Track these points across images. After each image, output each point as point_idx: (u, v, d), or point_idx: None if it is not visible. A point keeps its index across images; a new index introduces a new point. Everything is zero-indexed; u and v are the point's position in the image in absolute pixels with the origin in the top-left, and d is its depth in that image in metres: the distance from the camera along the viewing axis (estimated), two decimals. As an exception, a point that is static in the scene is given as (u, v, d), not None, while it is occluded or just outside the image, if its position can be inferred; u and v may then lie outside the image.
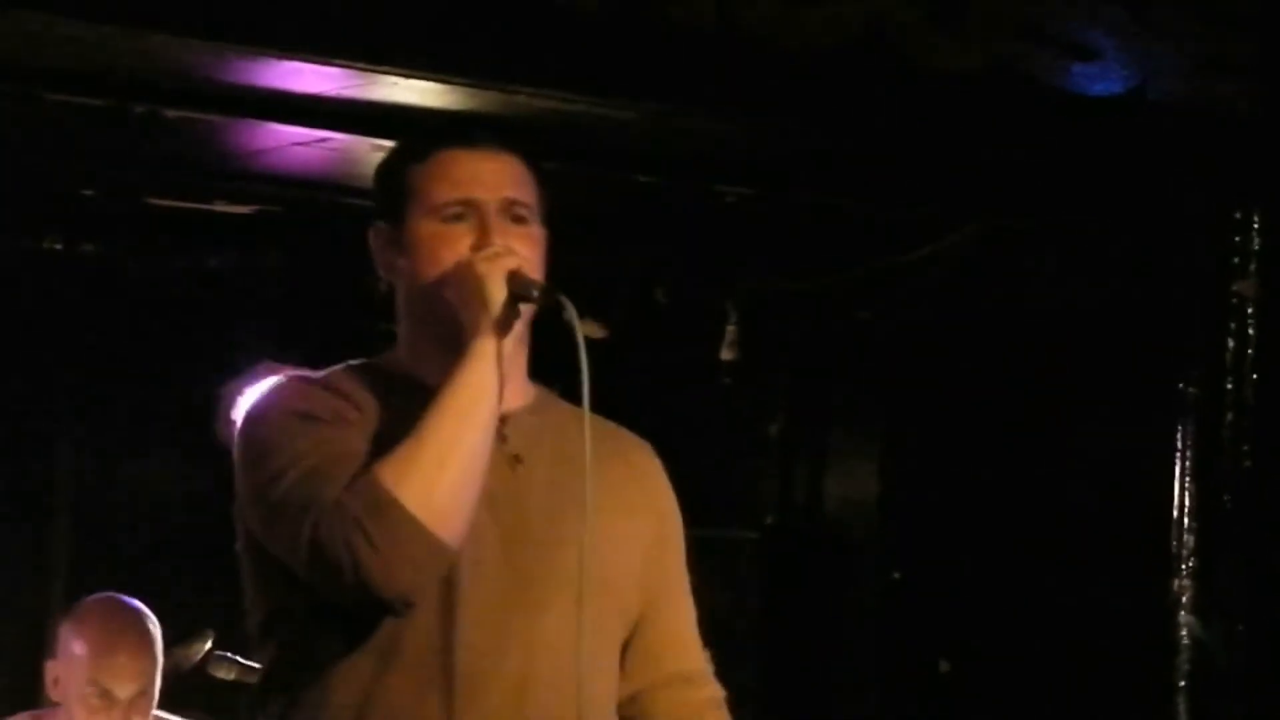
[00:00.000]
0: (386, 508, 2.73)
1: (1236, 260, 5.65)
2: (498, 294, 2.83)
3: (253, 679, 3.27)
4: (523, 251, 2.90)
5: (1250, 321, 5.63)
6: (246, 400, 3.05)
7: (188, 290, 6.28)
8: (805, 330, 6.99)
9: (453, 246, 2.90)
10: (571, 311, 2.85)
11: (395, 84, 4.74)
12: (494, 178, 2.94)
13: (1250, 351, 5.62)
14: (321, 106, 4.94)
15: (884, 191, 5.74)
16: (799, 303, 6.76)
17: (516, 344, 2.91)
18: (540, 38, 4.79)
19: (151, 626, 4.78)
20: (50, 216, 6.06)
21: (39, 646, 4.84)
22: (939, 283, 6.35)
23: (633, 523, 3.00)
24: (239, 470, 2.92)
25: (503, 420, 2.90)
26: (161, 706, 4.87)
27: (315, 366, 3.04)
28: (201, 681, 5.20)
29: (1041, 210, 5.82)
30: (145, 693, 4.73)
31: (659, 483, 3.11)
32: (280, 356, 5.76)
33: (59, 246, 6.12)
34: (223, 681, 5.13)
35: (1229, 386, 5.66)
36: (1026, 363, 6.52)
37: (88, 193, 5.78)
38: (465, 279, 2.86)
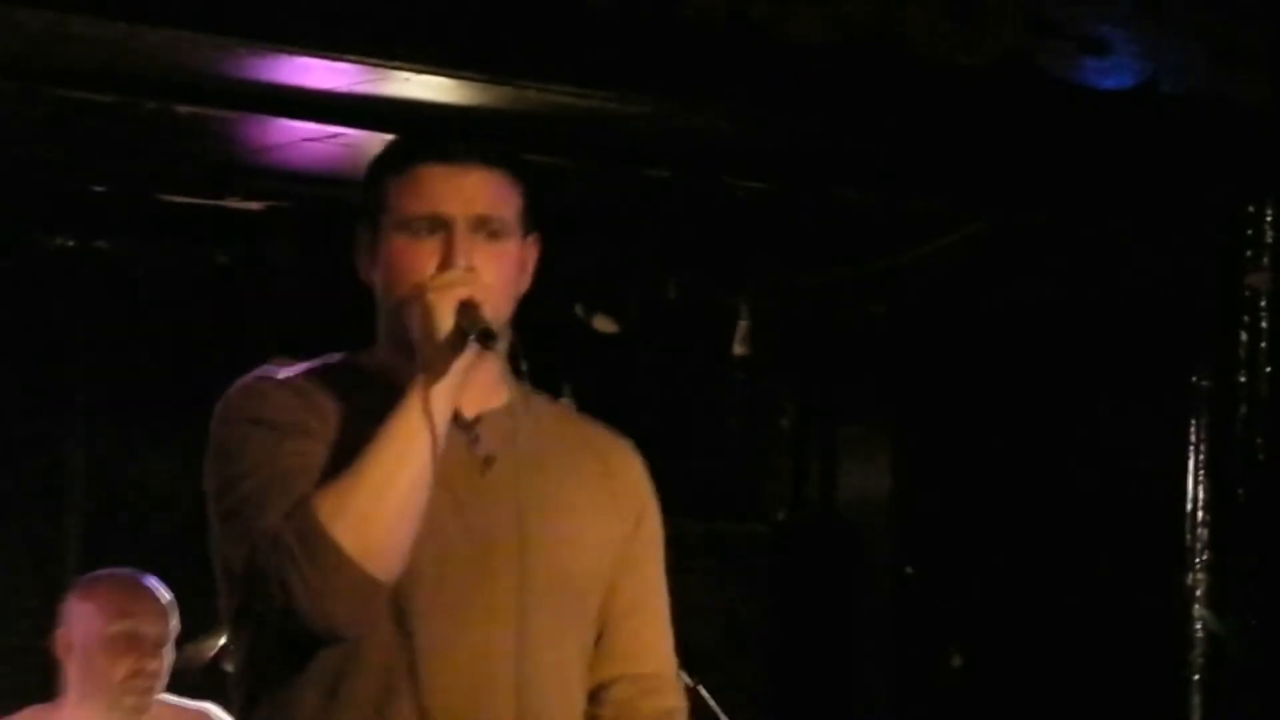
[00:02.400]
0: (319, 543, 2.73)
1: (1249, 253, 5.65)
2: (444, 325, 2.81)
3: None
4: (487, 273, 2.87)
5: (1263, 314, 5.63)
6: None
7: (199, 286, 6.28)
8: (817, 325, 6.98)
9: (418, 263, 2.87)
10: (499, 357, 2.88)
11: (407, 79, 4.74)
12: (468, 193, 2.90)
13: (1263, 344, 5.62)
14: (333, 102, 4.94)
15: (896, 186, 5.74)
16: (811, 298, 6.76)
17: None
18: (552, 33, 4.79)
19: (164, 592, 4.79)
20: (62, 213, 6.06)
21: (49, 643, 4.83)
22: (950, 277, 6.35)
23: (602, 523, 2.97)
24: (205, 469, 2.93)
25: (475, 421, 2.90)
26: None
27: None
28: (215, 679, 5.20)
29: (1053, 204, 5.82)
30: (166, 644, 4.71)
31: (637, 483, 3.06)
32: (291, 352, 5.76)
33: (71, 243, 6.13)
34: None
35: (1242, 380, 5.65)
36: (1038, 357, 6.52)
37: (99, 189, 5.79)
38: (417, 304, 2.84)
